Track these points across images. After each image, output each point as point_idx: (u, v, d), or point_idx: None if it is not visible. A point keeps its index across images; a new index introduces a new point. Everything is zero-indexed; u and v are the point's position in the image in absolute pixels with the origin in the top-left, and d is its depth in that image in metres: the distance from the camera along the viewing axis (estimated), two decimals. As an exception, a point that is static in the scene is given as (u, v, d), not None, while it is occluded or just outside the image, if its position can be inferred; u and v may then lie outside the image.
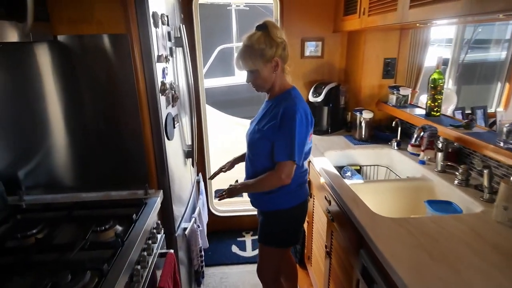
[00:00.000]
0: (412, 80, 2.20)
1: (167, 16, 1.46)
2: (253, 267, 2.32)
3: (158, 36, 1.33)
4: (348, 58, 2.38)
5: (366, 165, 1.96)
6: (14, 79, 1.23)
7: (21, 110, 1.26)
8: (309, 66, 2.41)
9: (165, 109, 1.42)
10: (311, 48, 2.36)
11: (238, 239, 2.68)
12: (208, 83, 5.01)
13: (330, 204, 1.57)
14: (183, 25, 1.77)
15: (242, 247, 2.58)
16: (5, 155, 1.31)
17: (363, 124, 2.05)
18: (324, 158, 1.81)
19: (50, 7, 1.14)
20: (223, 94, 4.82)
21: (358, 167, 1.93)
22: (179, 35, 1.65)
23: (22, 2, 0.93)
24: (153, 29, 1.27)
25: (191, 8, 2.16)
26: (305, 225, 2.16)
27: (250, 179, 1.44)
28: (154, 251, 1.24)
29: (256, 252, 2.50)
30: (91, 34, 1.19)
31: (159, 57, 1.33)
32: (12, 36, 0.95)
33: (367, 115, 2.02)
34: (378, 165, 1.96)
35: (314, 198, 1.91)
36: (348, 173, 1.79)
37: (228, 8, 4.41)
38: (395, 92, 2.04)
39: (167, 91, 1.42)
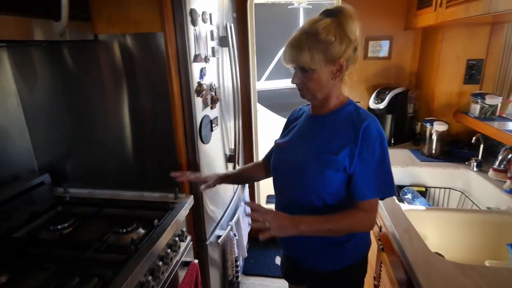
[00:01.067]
0: (504, 87, 1.78)
1: (210, 14, 1.40)
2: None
3: (196, 35, 1.28)
4: (421, 60, 2.05)
5: (434, 187, 1.64)
6: (61, 76, 1.29)
7: (68, 107, 1.33)
8: (373, 68, 2.14)
9: (201, 111, 1.36)
10: (376, 48, 2.09)
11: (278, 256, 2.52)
12: (269, 85, 4.95)
13: (380, 230, 1.33)
14: (233, 25, 1.70)
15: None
16: (54, 150, 1.39)
17: (434, 138, 1.72)
18: (380, 174, 1.56)
19: (91, 7, 1.16)
20: (284, 97, 4.69)
21: (423, 189, 1.62)
22: (225, 35, 1.59)
23: (57, 1, 0.94)
24: (190, 27, 1.22)
25: (246, 7, 2.09)
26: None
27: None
28: (175, 259, 1.18)
29: None
30: (128, 33, 1.18)
31: (196, 56, 1.27)
32: (49, 35, 0.98)
33: (440, 127, 1.69)
34: (450, 189, 1.62)
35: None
36: (409, 195, 1.51)
37: (289, 7, 4.26)
38: (479, 100, 1.67)
39: (204, 92, 1.35)
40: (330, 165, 0.92)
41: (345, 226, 0.94)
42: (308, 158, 0.96)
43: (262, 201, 2.73)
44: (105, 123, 1.33)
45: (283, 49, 0.94)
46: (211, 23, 1.42)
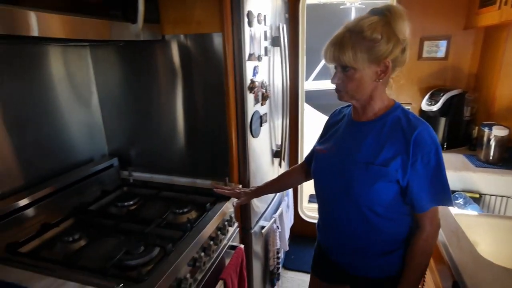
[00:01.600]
0: None
1: (264, 16, 1.48)
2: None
3: (252, 35, 1.36)
4: (482, 61, 1.94)
5: (490, 195, 1.56)
6: (132, 73, 1.46)
7: (137, 99, 1.49)
8: (427, 69, 2.07)
9: (252, 107, 1.45)
10: (431, 48, 2.02)
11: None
12: (317, 85, 4.93)
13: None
14: (285, 25, 1.77)
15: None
16: (122, 137, 1.58)
17: (492, 143, 1.63)
18: (429, 177, 1.52)
19: (161, 10, 1.30)
20: (332, 98, 4.62)
21: (477, 196, 1.55)
22: (277, 35, 1.66)
23: (134, 6, 1.08)
24: (246, 28, 1.31)
25: (298, 7, 2.14)
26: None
27: (358, 236, 0.99)
28: (224, 242, 1.28)
29: None
30: (191, 34, 1.31)
31: (250, 55, 1.36)
32: (126, 35, 1.13)
33: (499, 131, 1.60)
34: (508, 197, 1.53)
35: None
36: (460, 201, 1.46)
37: (341, 7, 4.20)
38: (547, 105, 1.55)
39: (256, 89, 1.44)
40: (380, 178, 0.88)
41: (424, 260, 0.94)
42: (356, 170, 0.92)
43: (304, 201, 2.76)
44: (164, 116, 1.48)
45: (325, 47, 0.90)
46: (265, 24, 1.50)
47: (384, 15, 0.85)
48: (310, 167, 1.11)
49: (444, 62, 2.03)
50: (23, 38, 0.89)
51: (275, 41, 1.65)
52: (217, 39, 1.28)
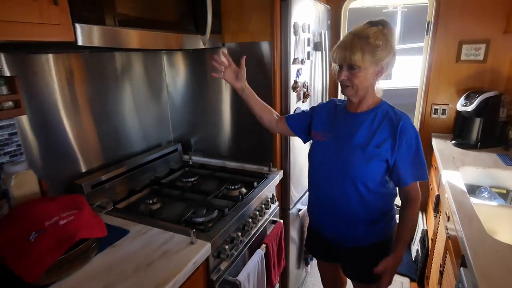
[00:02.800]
0: None
1: (308, 25, 1.70)
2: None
3: (296, 42, 1.60)
4: (522, 64, 1.99)
5: (518, 191, 1.65)
6: (194, 74, 1.77)
7: (197, 95, 1.80)
8: (465, 71, 2.15)
9: (294, 104, 1.68)
10: (470, 51, 2.10)
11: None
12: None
13: (448, 220, 1.46)
14: (327, 31, 1.98)
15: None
16: (184, 127, 1.90)
17: (524, 143, 1.71)
18: (457, 172, 1.65)
19: (223, 23, 1.58)
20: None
21: (504, 191, 1.64)
22: (319, 40, 1.87)
23: (204, 21, 1.37)
24: (292, 37, 1.55)
25: (339, 14, 2.33)
26: (430, 242, 2.01)
27: (351, 209, 1.21)
28: (266, 215, 1.54)
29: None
30: (246, 42, 1.58)
31: (295, 59, 1.60)
32: (197, 44, 1.42)
33: (531, 132, 1.67)
34: (537, 195, 1.61)
35: (440, 214, 1.77)
36: (485, 194, 1.57)
37: (384, 11, 4.24)
38: None
39: (298, 88, 1.67)
40: (374, 157, 1.12)
41: (413, 225, 1.19)
42: (355, 151, 1.14)
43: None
44: (220, 110, 1.76)
45: (333, 50, 1.11)
46: (308, 31, 1.73)
47: (383, 27, 1.09)
48: (289, 128, 1.39)
49: (483, 65, 2.10)
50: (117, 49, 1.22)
51: (317, 46, 1.87)
52: (267, 46, 1.53)
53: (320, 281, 1.62)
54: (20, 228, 0.90)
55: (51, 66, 1.24)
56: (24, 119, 1.17)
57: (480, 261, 0.98)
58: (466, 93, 2.06)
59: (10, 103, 1.06)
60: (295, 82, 1.64)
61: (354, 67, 1.07)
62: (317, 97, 2.05)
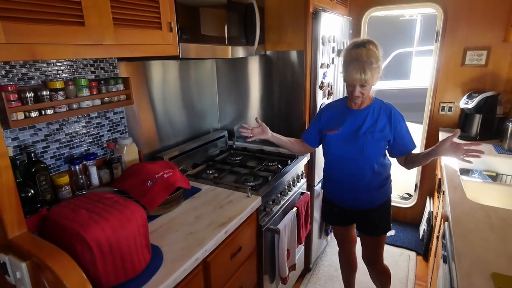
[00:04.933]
0: None
1: (333, 36, 2.11)
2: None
3: (323, 51, 2.01)
4: (518, 68, 2.30)
5: (506, 175, 1.98)
6: (238, 74, 2.21)
7: (240, 92, 2.24)
8: (469, 74, 2.48)
9: (320, 100, 2.09)
10: (473, 57, 2.43)
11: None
12: (378, 86, 5.33)
13: (443, 194, 1.83)
14: (348, 39, 2.37)
15: (373, 228, 2.98)
16: (229, 117, 2.35)
17: (514, 135, 2.04)
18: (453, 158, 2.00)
19: (266, 36, 2.01)
20: (391, 97, 5.00)
21: (494, 174, 1.99)
22: (341, 48, 2.27)
23: (253, 35, 1.81)
24: (320, 46, 1.96)
25: (360, 24, 2.71)
26: (434, 221, 2.36)
27: (366, 181, 1.56)
28: (296, 187, 1.96)
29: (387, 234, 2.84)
30: (283, 50, 2.00)
31: (322, 64, 2.01)
32: (247, 53, 1.86)
33: (519, 126, 2.01)
34: (521, 177, 1.95)
35: (441, 194, 2.13)
36: (476, 175, 1.93)
37: (400, 19, 4.55)
38: None
39: (324, 87, 2.08)
40: (381, 139, 1.51)
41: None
42: (367, 137, 1.50)
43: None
44: (259, 104, 2.20)
45: (349, 75, 1.40)
46: (333, 42, 2.13)
47: (373, 46, 1.41)
48: (310, 146, 1.74)
49: (484, 68, 2.42)
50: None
51: (340, 53, 2.26)
52: (301, 54, 1.95)
53: (337, 253, 2.01)
54: (140, 178, 1.37)
55: (149, 71, 1.71)
56: (128, 108, 1.64)
57: (456, 215, 1.36)
58: (468, 93, 2.39)
59: (124, 96, 1.53)
60: (322, 82, 2.05)
61: (365, 85, 1.41)
62: (339, 94, 2.45)
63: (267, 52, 2.06)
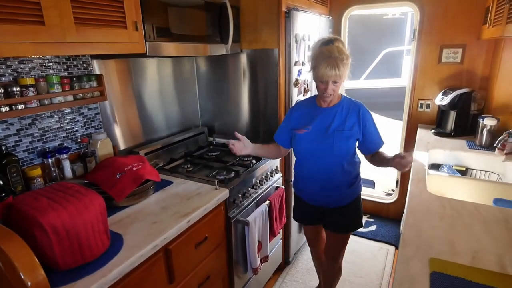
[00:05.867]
0: None
1: (309, 35, 2.16)
2: (355, 238, 2.78)
3: (297, 49, 2.06)
4: (491, 66, 2.35)
5: (475, 169, 2.04)
6: (218, 73, 2.27)
7: (220, 89, 2.30)
8: (446, 72, 2.53)
9: (296, 97, 2.15)
10: (449, 54, 2.48)
11: (354, 217, 3.13)
12: (368, 84, 5.37)
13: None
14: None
15: (355, 223, 3.03)
16: (209, 114, 2.41)
17: (484, 131, 2.09)
18: (425, 153, 2.06)
19: (241, 35, 2.07)
20: (381, 96, 5.05)
21: (464, 169, 2.04)
22: (318, 46, 2.32)
23: (227, 34, 1.86)
24: (294, 45, 2.01)
25: (340, 23, 2.76)
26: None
27: (336, 179, 1.57)
28: (270, 182, 2.01)
29: (367, 229, 2.90)
30: (259, 49, 2.06)
31: (296, 62, 2.07)
32: (221, 51, 1.92)
33: (488, 122, 2.06)
34: (490, 172, 2.00)
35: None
36: (445, 169, 1.98)
37: (384, 17, 4.59)
38: (531, 102, 1.96)
39: (299, 84, 2.14)
40: (350, 137, 1.51)
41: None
42: (335, 135, 1.50)
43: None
44: (237, 101, 2.26)
45: (323, 71, 1.38)
46: (308, 40, 2.18)
47: (340, 42, 1.44)
48: (284, 147, 1.72)
49: (460, 66, 2.47)
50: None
51: (317, 51, 2.32)
52: (275, 52, 2.01)
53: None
54: (110, 170, 1.43)
55: (131, 69, 1.77)
56: (104, 104, 1.70)
57: (412, 206, 1.41)
58: (444, 90, 2.44)
59: (97, 92, 1.59)
60: (296, 80, 2.11)
61: (337, 81, 1.42)
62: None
63: (244, 51, 2.12)
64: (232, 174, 1.75)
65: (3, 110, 1.22)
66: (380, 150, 1.59)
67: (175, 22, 1.58)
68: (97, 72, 1.63)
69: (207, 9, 1.78)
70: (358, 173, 1.68)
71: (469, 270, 0.98)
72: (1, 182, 1.18)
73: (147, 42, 1.41)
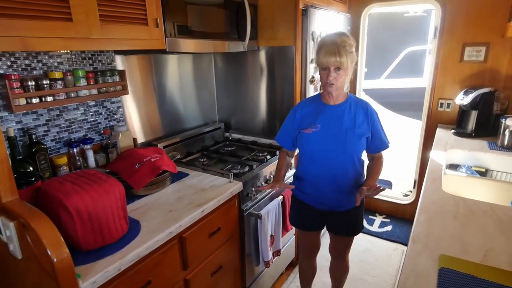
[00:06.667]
0: None
1: (326, 33, 2.16)
2: (370, 238, 2.76)
3: (314, 46, 2.07)
4: (517, 64, 2.27)
5: (496, 171, 1.98)
6: (235, 70, 2.31)
7: (237, 86, 2.35)
8: (468, 70, 2.46)
9: (311, 94, 2.16)
10: (472, 52, 2.41)
11: (370, 216, 3.10)
12: (390, 83, 5.27)
13: (427, 187, 1.86)
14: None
15: (370, 222, 3.00)
16: (226, 110, 2.46)
17: (507, 132, 2.03)
18: (443, 153, 2.02)
19: (258, 32, 2.10)
20: (402, 96, 4.93)
21: (483, 170, 1.99)
22: (336, 44, 2.32)
23: (244, 31, 1.90)
24: (310, 42, 2.02)
25: (359, 20, 2.74)
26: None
27: (348, 180, 1.50)
28: (285, 177, 2.04)
29: (382, 229, 2.87)
30: (276, 46, 2.08)
31: (312, 60, 2.08)
32: (239, 48, 1.96)
33: (511, 122, 1.99)
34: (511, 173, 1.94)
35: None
36: (463, 169, 1.94)
37: (405, 15, 4.47)
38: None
39: (315, 81, 2.15)
40: (361, 135, 1.45)
41: (382, 166, 1.56)
42: (347, 133, 1.43)
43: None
44: (254, 97, 2.29)
45: (323, 57, 1.34)
46: (326, 37, 2.19)
47: (347, 37, 1.38)
48: (288, 150, 1.65)
49: (483, 64, 2.40)
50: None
51: (334, 49, 2.32)
52: (291, 49, 2.03)
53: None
54: (129, 161, 1.50)
55: (142, 63, 1.84)
56: (126, 98, 1.78)
57: (424, 203, 1.40)
58: (465, 89, 2.38)
59: (120, 87, 1.67)
60: (312, 77, 2.12)
61: (340, 69, 1.34)
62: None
63: (261, 48, 2.15)
64: (247, 169, 1.79)
65: (34, 102, 1.32)
66: (376, 160, 1.55)
67: (194, 19, 1.63)
68: (120, 68, 1.70)
69: (226, 7, 1.82)
70: (363, 171, 1.62)
71: (479, 268, 0.97)
72: (31, 168, 1.28)
73: (166, 39, 1.47)
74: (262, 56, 2.18)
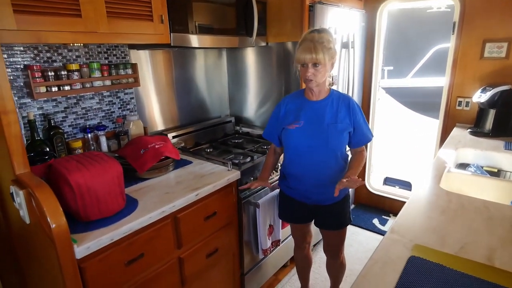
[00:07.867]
0: None
1: (335, 28, 2.18)
2: (381, 238, 2.72)
3: (322, 42, 2.10)
4: (542, 61, 2.14)
5: (510, 171, 1.89)
6: (246, 65, 2.39)
7: (248, 81, 2.42)
8: (489, 68, 2.36)
9: (318, 89, 2.18)
10: (493, 49, 2.30)
11: (383, 216, 3.05)
12: (416, 82, 5.08)
13: (431, 185, 1.82)
14: (355, 32, 2.41)
15: (383, 222, 2.96)
16: (238, 104, 2.54)
17: (524, 131, 1.93)
18: (453, 151, 1.96)
19: (267, 28, 2.16)
20: (428, 95, 4.73)
21: (495, 170, 1.91)
22: (346, 40, 2.33)
23: (252, 26, 1.97)
24: (317, 37, 2.05)
25: (375, 17, 2.70)
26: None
27: (331, 174, 1.52)
28: (288, 170, 2.08)
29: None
30: (284, 42, 2.13)
31: (319, 55, 2.10)
32: (246, 44, 2.03)
33: (529, 121, 1.89)
34: (526, 175, 1.84)
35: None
36: (472, 169, 1.87)
37: (428, 11, 4.26)
38: None
39: (322, 77, 2.17)
40: (343, 130, 1.47)
41: (362, 164, 1.55)
42: (329, 128, 1.45)
43: (375, 180, 3.28)
44: (264, 92, 2.36)
45: (300, 54, 1.39)
46: (335, 33, 2.20)
47: (327, 34, 1.41)
48: (276, 145, 1.68)
49: (505, 61, 2.29)
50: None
51: (344, 45, 2.32)
52: (298, 45, 2.07)
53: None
54: (136, 147, 1.63)
55: (153, 58, 1.98)
56: (138, 89, 1.92)
57: (415, 197, 1.39)
58: (483, 87, 2.28)
59: (132, 79, 1.81)
60: (319, 72, 2.14)
61: (317, 65, 1.38)
62: (344, 87, 2.50)
63: (270, 44, 2.21)
64: (248, 159, 1.86)
65: (53, 90, 1.48)
66: (358, 154, 1.56)
67: (200, 15, 1.73)
68: (133, 61, 1.85)
69: (233, 3, 1.91)
70: (346, 165, 1.60)
71: (450, 258, 0.98)
72: (48, 149, 1.44)
73: (171, 34, 1.58)
74: (271, 52, 2.23)
